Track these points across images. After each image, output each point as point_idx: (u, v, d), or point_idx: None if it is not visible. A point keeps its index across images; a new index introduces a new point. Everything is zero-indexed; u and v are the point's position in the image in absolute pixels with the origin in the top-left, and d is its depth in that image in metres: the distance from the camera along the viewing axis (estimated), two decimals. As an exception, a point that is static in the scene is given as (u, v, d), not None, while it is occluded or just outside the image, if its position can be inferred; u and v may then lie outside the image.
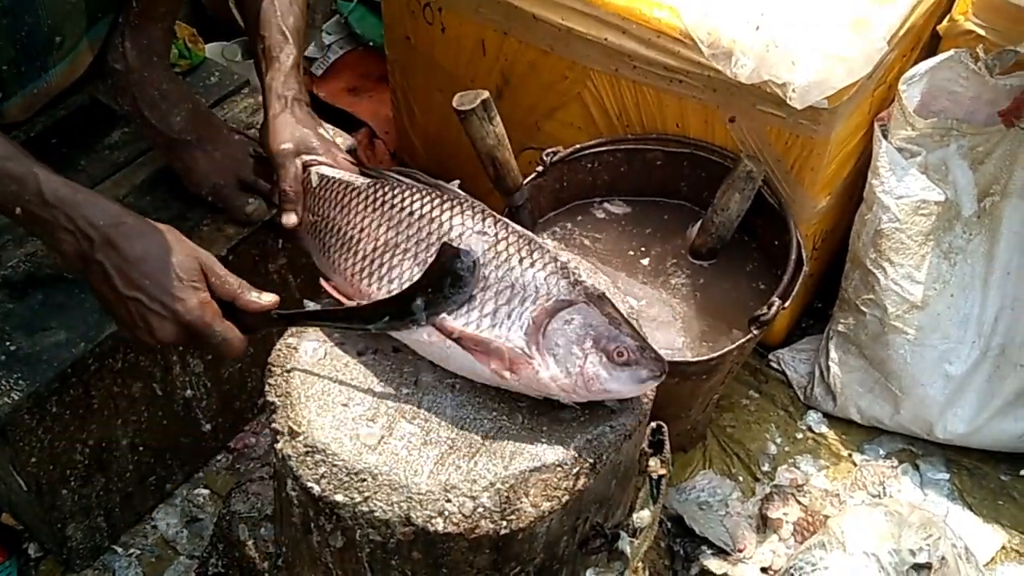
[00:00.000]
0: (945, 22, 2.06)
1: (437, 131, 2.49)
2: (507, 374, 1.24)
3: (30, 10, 1.57)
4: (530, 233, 1.34)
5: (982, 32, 2.00)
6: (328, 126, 1.75)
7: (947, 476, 2.17)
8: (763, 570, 1.98)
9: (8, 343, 1.61)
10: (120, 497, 1.91)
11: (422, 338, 1.29)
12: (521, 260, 1.28)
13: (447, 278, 1.27)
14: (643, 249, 2.06)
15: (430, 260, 1.29)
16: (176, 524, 2.01)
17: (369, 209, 1.41)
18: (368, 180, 1.45)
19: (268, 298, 1.39)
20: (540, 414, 1.28)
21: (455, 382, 1.32)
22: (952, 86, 2.03)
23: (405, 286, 1.30)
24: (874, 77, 1.91)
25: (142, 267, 1.34)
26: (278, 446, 1.26)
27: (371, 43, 2.76)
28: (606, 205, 2.13)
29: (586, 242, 2.05)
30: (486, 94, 1.79)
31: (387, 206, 1.39)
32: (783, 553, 2.00)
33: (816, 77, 1.76)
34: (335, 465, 1.22)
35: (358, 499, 1.21)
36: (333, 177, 1.48)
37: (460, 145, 2.34)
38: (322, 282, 1.41)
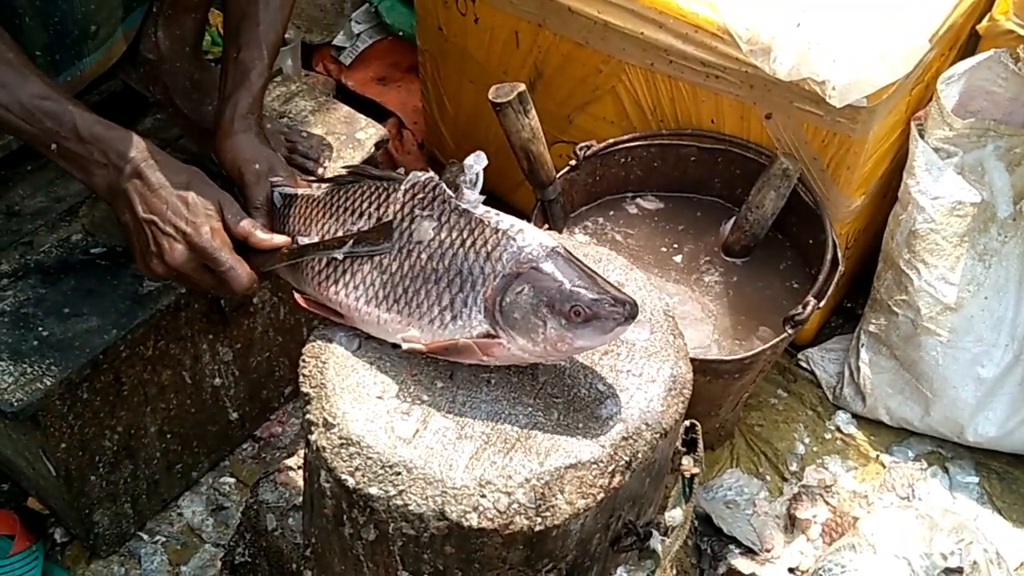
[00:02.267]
0: (985, 21, 2.03)
1: (467, 123, 2.48)
2: (484, 359, 1.25)
3: (64, 0, 1.57)
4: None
5: (1022, 32, 1.97)
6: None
7: (976, 480, 2.15)
8: (791, 570, 1.97)
9: (40, 328, 1.60)
10: (147, 484, 1.91)
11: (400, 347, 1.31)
12: (463, 243, 1.27)
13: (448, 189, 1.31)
14: (676, 246, 2.05)
15: (385, 262, 1.30)
16: (202, 512, 2.01)
17: (326, 216, 1.41)
18: (325, 189, 1.46)
19: (279, 238, 1.43)
20: (576, 410, 1.27)
21: (490, 377, 1.31)
22: (991, 86, 2.01)
23: (370, 291, 1.31)
24: (912, 76, 1.89)
25: (162, 193, 1.40)
26: (312, 437, 1.26)
27: (400, 33, 2.75)
28: (639, 200, 2.11)
29: (618, 237, 2.04)
30: (522, 87, 1.78)
31: (340, 210, 1.40)
32: (811, 554, 1.99)
33: (856, 75, 1.74)
34: (370, 458, 1.21)
35: (392, 492, 1.20)
36: (294, 195, 1.49)
37: (490, 137, 2.33)
38: (296, 296, 1.40)
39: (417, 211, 1.31)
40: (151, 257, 1.42)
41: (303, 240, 1.42)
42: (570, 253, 1.27)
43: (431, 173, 1.33)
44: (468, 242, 1.26)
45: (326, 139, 1.95)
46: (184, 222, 1.39)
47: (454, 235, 1.27)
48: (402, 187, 1.33)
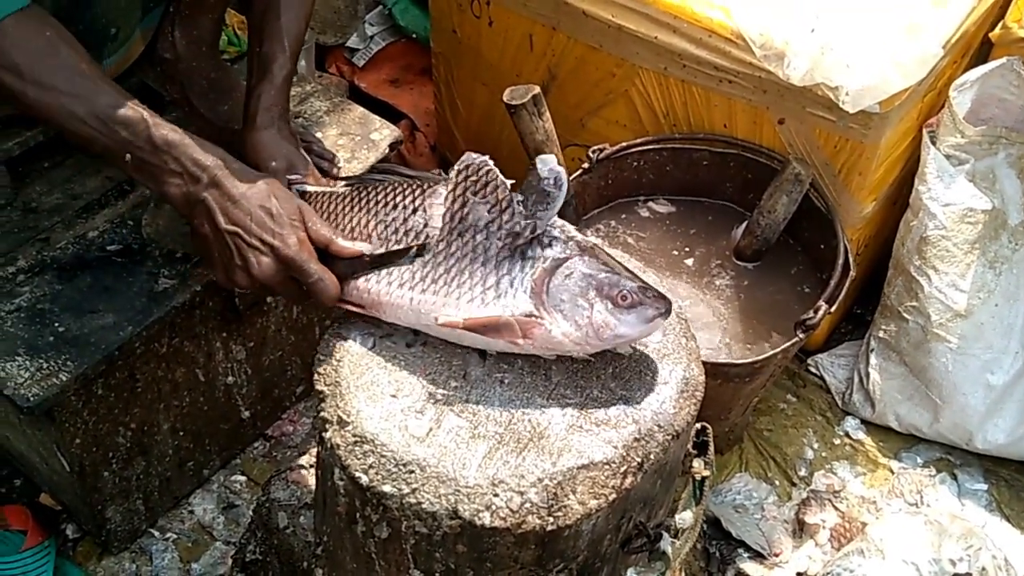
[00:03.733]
0: (998, 29, 2.04)
1: (480, 125, 2.49)
2: (521, 341, 1.26)
3: (87, 5, 1.58)
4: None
5: (1035, 40, 1.98)
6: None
7: (985, 487, 2.15)
8: (799, 575, 1.97)
9: (56, 324, 1.61)
10: (159, 481, 1.92)
11: (432, 329, 1.32)
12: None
13: (532, 195, 1.29)
14: (687, 249, 2.05)
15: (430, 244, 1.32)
16: (213, 510, 2.02)
17: (355, 209, 1.41)
18: (350, 187, 1.46)
19: (361, 245, 1.38)
20: (590, 411, 1.28)
21: (504, 376, 1.31)
22: (1003, 94, 2.01)
23: (406, 274, 1.31)
24: (925, 83, 1.90)
25: (244, 204, 1.36)
26: (326, 435, 1.26)
27: (414, 35, 2.76)
28: (651, 204, 2.12)
29: (630, 240, 2.05)
30: (537, 89, 1.79)
31: (372, 202, 1.40)
32: (819, 559, 1.99)
33: (870, 81, 1.75)
34: (383, 456, 1.22)
35: (406, 490, 1.20)
36: (316, 191, 1.49)
37: (502, 139, 2.34)
38: None
39: (470, 195, 1.31)
40: (235, 270, 1.37)
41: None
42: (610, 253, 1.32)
43: (485, 156, 1.32)
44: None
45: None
46: (270, 234, 1.35)
47: (505, 218, 1.29)
48: (455, 168, 1.33)
